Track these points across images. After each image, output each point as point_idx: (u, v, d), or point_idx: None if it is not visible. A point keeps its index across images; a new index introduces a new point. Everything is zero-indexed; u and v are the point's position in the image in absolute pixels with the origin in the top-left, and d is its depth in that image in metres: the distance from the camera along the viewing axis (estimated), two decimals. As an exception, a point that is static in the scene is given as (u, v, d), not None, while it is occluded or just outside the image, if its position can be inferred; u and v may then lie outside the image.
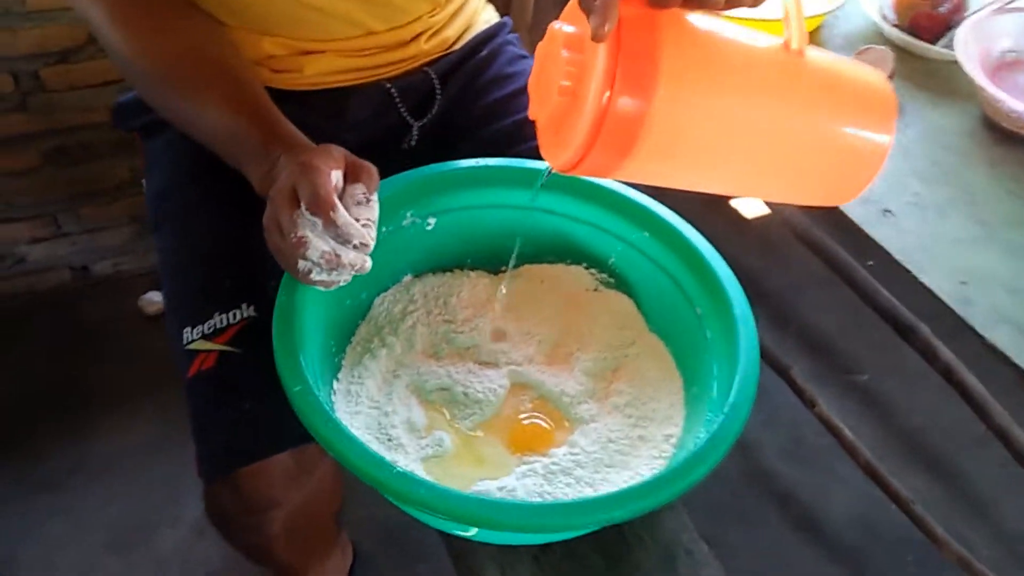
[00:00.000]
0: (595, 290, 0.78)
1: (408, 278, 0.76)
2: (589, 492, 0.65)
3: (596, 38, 0.44)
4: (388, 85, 0.84)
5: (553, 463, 0.66)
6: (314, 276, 0.58)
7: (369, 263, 0.59)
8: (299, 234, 0.57)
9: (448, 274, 0.78)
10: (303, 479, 0.71)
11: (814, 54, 0.50)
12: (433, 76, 0.86)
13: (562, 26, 0.50)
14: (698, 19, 0.47)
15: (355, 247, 0.58)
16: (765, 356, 1.41)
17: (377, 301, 0.74)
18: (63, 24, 1.16)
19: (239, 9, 0.76)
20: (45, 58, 1.18)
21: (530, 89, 0.54)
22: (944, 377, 1.26)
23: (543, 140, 0.54)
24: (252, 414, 0.68)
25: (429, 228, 0.74)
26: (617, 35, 0.45)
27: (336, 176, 0.60)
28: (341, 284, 0.61)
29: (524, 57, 0.93)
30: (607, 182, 0.74)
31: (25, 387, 1.31)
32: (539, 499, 0.64)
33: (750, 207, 1.77)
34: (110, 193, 1.35)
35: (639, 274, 0.75)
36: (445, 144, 0.87)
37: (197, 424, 0.70)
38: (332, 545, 0.95)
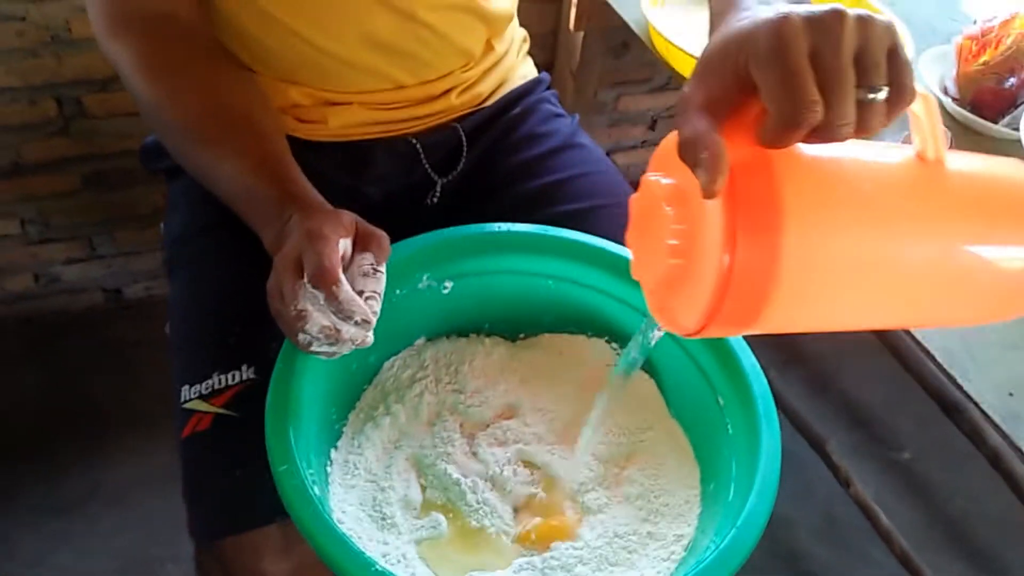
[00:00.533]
0: (615, 366, 0.74)
1: (421, 341, 0.73)
2: None
3: (708, 195, 0.39)
4: (414, 140, 0.82)
5: (552, 557, 0.63)
6: (315, 348, 0.56)
7: (371, 338, 0.57)
8: (299, 307, 0.55)
9: (463, 340, 0.75)
10: (292, 552, 0.68)
11: (956, 161, 0.44)
12: (461, 132, 0.83)
13: (658, 178, 0.45)
14: (811, 148, 0.41)
15: (356, 323, 0.55)
16: (800, 426, 1.36)
17: (386, 365, 0.71)
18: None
19: (263, 56, 0.75)
20: (88, 85, 1.20)
21: (629, 245, 0.49)
22: (991, 463, 1.19)
23: (654, 302, 0.49)
24: (242, 482, 0.65)
25: (446, 291, 0.71)
26: (730, 181, 0.39)
27: (344, 245, 0.58)
28: (344, 354, 0.59)
29: (560, 115, 0.90)
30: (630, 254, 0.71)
31: (50, 407, 1.32)
32: None
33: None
34: (144, 219, 1.36)
35: (662, 354, 0.71)
36: (469, 202, 0.84)
37: (187, 486, 0.68)
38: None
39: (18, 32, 1.11)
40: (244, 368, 0.68)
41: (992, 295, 0.46)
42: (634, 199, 0.48)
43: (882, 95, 0.39)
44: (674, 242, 0.43)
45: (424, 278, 0.70)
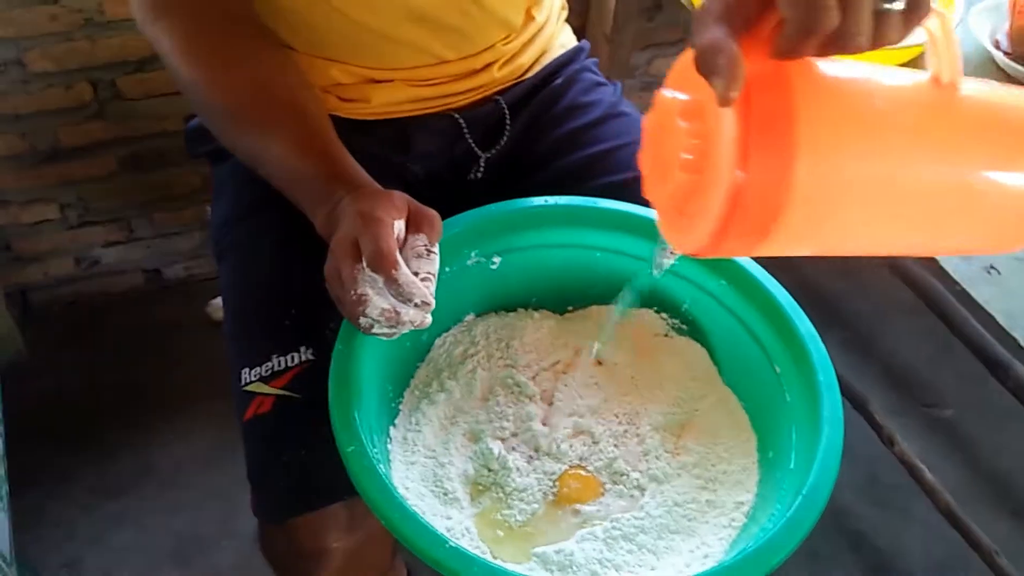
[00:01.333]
0: (666, 335, 0.74)
1: (470, 317, 0.73)
2: (652, 560, 0.62)
3: (723, 102, 0.38)
4: (456, 115, 0.81)
5: (615, 527, 0.63)
6: (375, 330, 0.56)
7: (429, 320, 0.57)
8: (359, 291, 0.55)
9: (512, 314, 0.75)
10: (357, 528, 0.69)
11: (970, 86, 0.44)
12: (504, 105, 0.83)
13: (674, 94, 0.44)
14: (830, 65, 0.41)
15: (416, 305, 0.55)
16: (842, 387, 1.35)
17: (438, 342, 0.72)
18: (140, 34, 1.17)
19: (305, 34, 0.74)
20: (123, 67, 1.19)
21: (641, 166, 0.49)
22: (1037, 420, 1.19)
23: (665, 221, 0.49)
24: (306, 462, 0.66)
25: (494, 267, 0.71)
26: (745, 96, 0.39)
27: (399, 227, 0.57)
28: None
29: (602, 84, 0.89)
30: None
31: (97, 389, 1.34)
32: (599, 567, 0.61)
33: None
34: (182, 199, 1.37)
35: (714, 323, 0.71)
36: (513, 176, 0.84)
37: (252, 468, 0.69)
38: (388, 571, 0.94)
39: (51, 16, 1.11)
40: (303, 350, 0.69)
41: (1005, 220, 0.46)
42: (647, 117, 0.47)
43: (898, 5, 0.39)
44: (688, 157, 0.43)
45: (472, 255, 0.70)
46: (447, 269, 0.68)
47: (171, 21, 0.68)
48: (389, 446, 0.64)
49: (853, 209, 0.42)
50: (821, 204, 0.41)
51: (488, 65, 0.80)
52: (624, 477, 0.67)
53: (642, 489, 0.66)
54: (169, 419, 1.30)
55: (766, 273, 0.68)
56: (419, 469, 0.64)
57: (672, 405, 0.71)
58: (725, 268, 0.69)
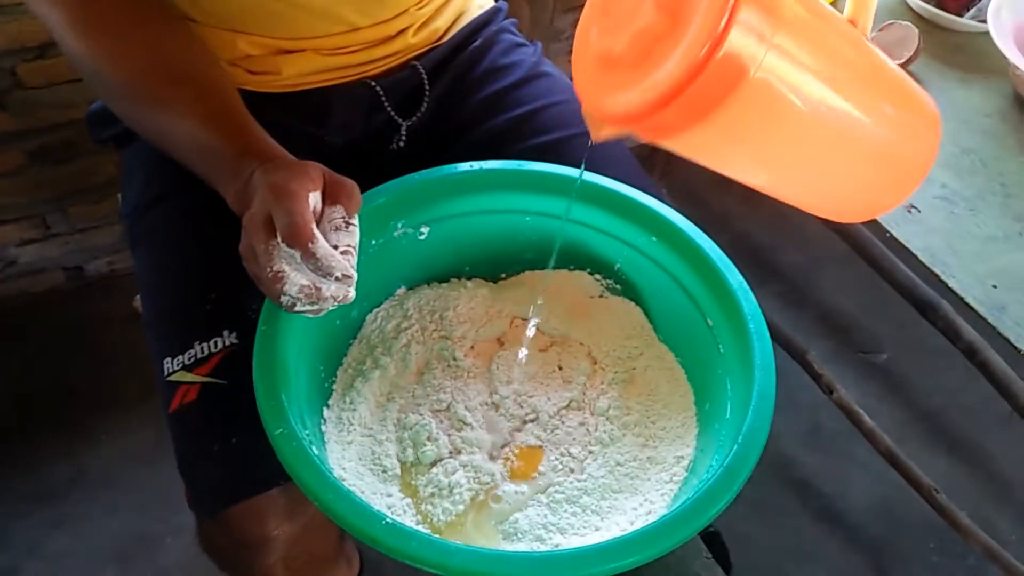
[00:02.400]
0: (600, 296, 0.74)
1: (402, 291, 0.72)
2: (596, 521, 0.62)
3: None
4: (373, 83, 0.78)
5: (557, 491, 0.63)
6: (298, 308, 0.54)
7: (352, 294, 0.55)
8: (275, 268, 0.52)
9: (444, 285, 0.74)
10: (297, 513, 0.68)
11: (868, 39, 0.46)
12: (421, 71, 0.80)
13: None
14: None
15: (337, 279, 0.53)
16: (780, 339, 1.37)
17: (369, 318, 0.70)
18: (38, 18, 1.11)
19: (208, 5, 0.71)
20: (22, 54, 1.13)
21: (586, 16, 0.46)
22: (967, 356, 1.22)
23: (591, 79, 0.45)
24: (239, 449, 0.64)
25: (422, 238, 0.70)
26: None
27: (314, 199, 0.55)
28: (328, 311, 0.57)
29: (522, 45, 0.87)
30: (609, 183, 0.69)
31: (23, 393, 1.28)
32: (543, 531, 0.61)
33: (763, 180, 1.71)
34: (98, 191, 1.31)
35: (647, 280, 0.71)
36: (437, 144, 0.82)
37: (182, 460, 0.66)
38: (336, 560, 0.92)
39: (-62, 4, 1.05)
40: (226, 334, 0.66)
41: (882, 176, 0.49)
42: None
43: None
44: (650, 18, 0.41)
45: (399, 226, 0.68)
46: (373, 242, 0.66)
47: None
48: (323, 427, 0.62)
49: (785, 109, 0.41)
50: (770, 96, 0.40)
51: (402, 31, 0.78)
52: (567, 442, 0.66)
53: (588, 451, 0.66)
54: (101, 419, 1.25)
55: (695, 227, 0.68)
56: (356, 448, 0.63)
57: (611, 365, 0.71)
58: (655, 224, 0.68)
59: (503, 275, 0.75)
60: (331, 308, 0.56)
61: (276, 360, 0.57)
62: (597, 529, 0.61)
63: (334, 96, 0.78)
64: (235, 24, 0.72)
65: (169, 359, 0.67)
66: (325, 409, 0.64)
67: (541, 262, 0.73)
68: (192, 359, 0.66)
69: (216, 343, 0.66)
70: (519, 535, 0.61)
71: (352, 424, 0.64)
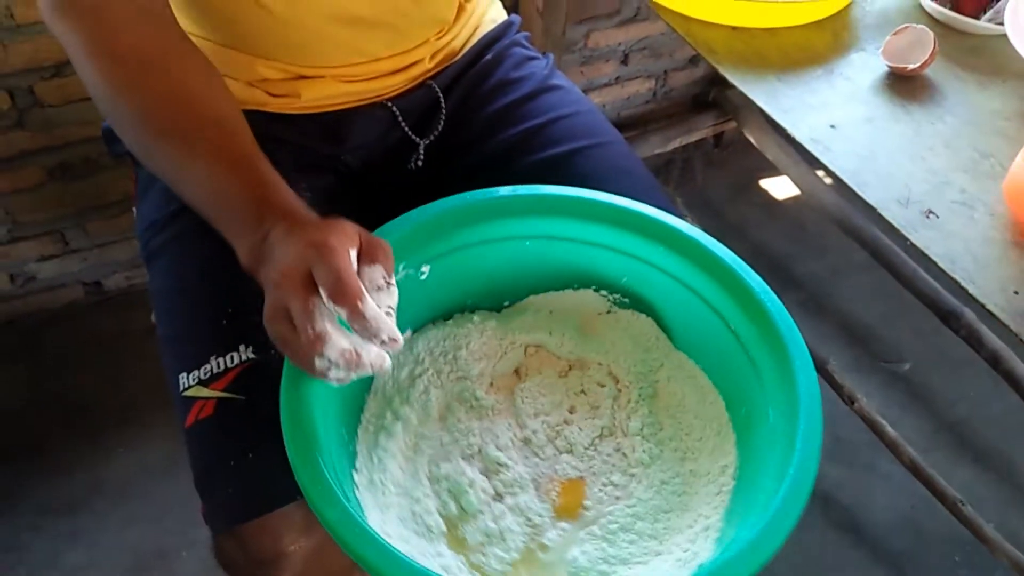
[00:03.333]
0: (608, 312, 0.72)
1: (408, 334, 0.68)
2: (655, 546, 0.60)
3: None
4: (390, 104, 0.79)
5: (611, 521, 0.62)
6: (332, 374, 0.51)
7: (389, 363, 0.52)
8: (316, 328, 0.49)
9: (450, 322, 0.71)
10: (314, 528, 0.66)
11: None
12: (437, 90, 0.81)
13: None
14: None
15: (382, 342, 0.50)
16: (800, 348, 1.35)
17: None
18: (53, 37, 1.12)
19: (229, 28, 0.71)
20: (40, 72, 1.15)
21: None
22: (991, 365, 1.20)
23: None
24: (255, 465, 0.63)
25: (423, 277, 0.67)
26: None
27: (353, 257, 0.52)
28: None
29: (534, 58, 0.87)
30: (607, 197, 0.68)
31: (42, 407, 1.29)
32: (606, 565, 0.60)
33: (781, 189, 1.70)
34: (116, 206, 1.32)
35: (656, 291, 0.70)
36: (452, 161, 0.81)
37: (198, 475, 0.66)
38: (352, 573, 0.91)
39: (-42, 24, 1.06)
40: (242, 349, 0.66)
41: None
42: None
43: None
44: None
45: (400, 268, 0.65)
46: None
47: (79, 17, 0.62)
48: (358, 493, 0.59)
49: None
50: None
51: (420, 60, 0.78)
52: (607, 471, 0.65)
53: (630, 474, 0.64)
54: (119, 432, 1.26)
55: (700, 231, 0.67)
56: (395, 511, 0.60)
57: (636, 383, 0.69)
58: (660, 233, 0.67)
59: (506, 303, 0.73)
60: (358, 377, 0.52)
61: (306, 426, 0.54)
62: (658, 554, 0.60)
63: (352, 117, 0.78)
64: (257, 50, 0.72)
65: (185, 374, 0.66)
66: (355, 473, 0.60)
67: (543, 286, 0.72)
68: (208, 374, 0.65)
69: (232, 358, 0.66)
70: (584, 573, 0.59)
71: (385, 485, 0.61)
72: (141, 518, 1.17)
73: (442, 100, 0.81)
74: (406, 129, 0.80)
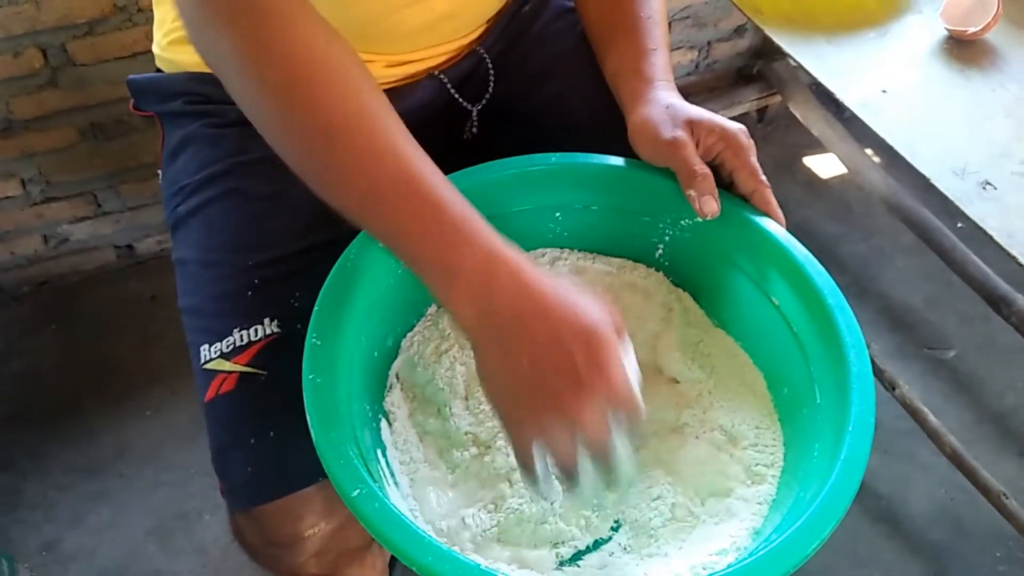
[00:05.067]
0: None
1: (432, 309, 0.67)
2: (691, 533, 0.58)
3: None
4: (439, 74, 0.76)
5: (654, 507, 0.59)
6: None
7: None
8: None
9: None
10: (333, 510, 0.64)
11: None
12: (483, 53, 0.78)
13: None
14: None
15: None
16: (840, 331, 1.31)
17: (405, 344, 0.66)
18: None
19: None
20: (72, 30, 1.14)
21: None
22: (1043, 355, 1.15)
23: None
24: (275, 444, 0.61)
25: None
26: None
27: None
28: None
29: (571, 10, 0.83)
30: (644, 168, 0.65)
31: (72, 368, 1.30)
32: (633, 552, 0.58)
33: (827, 167, 1.64)
34: (149, 168, 1.32)
35: (693, 264, 0.67)
36: (506, 123, 0.79)
37: (216, 453, 0.64)
38: (370, 548, 0.90)
39: (-10, -21, 1.06)
40: (267, 322, 0.63)
41: None
42: None
43: None
44: None
45: None
46: (401, 268, 0.61)
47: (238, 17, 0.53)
48: (382, 471, 0.57)
49: None
50: None
51: (475, 33, 0.77)
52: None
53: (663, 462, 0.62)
54: (147, 396, 1.26)
55: (743, 201, 0.63)
56: (425, 488, 0.59)
57: (685, 356, 0.66)
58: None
59: None
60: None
61: (329, 402, 0.53)
62: (696, 541, 0.58)
63: (403, 91, 0.75)
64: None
65: (207, 346, 0.64)
66: (379, 452, 0.59)
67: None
68: (231, 347, 0.63)
69: (257, 331, 0.63)
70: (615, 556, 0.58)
71: (414, 463, 0.60)
72: (166, 481, 1.17)
73: (488, 63, 0.78)
74: (457, 97, 0.77)
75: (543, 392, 0.46)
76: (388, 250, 0.54)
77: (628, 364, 0.48)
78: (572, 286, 0.49)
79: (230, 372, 0.62)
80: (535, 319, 0.47)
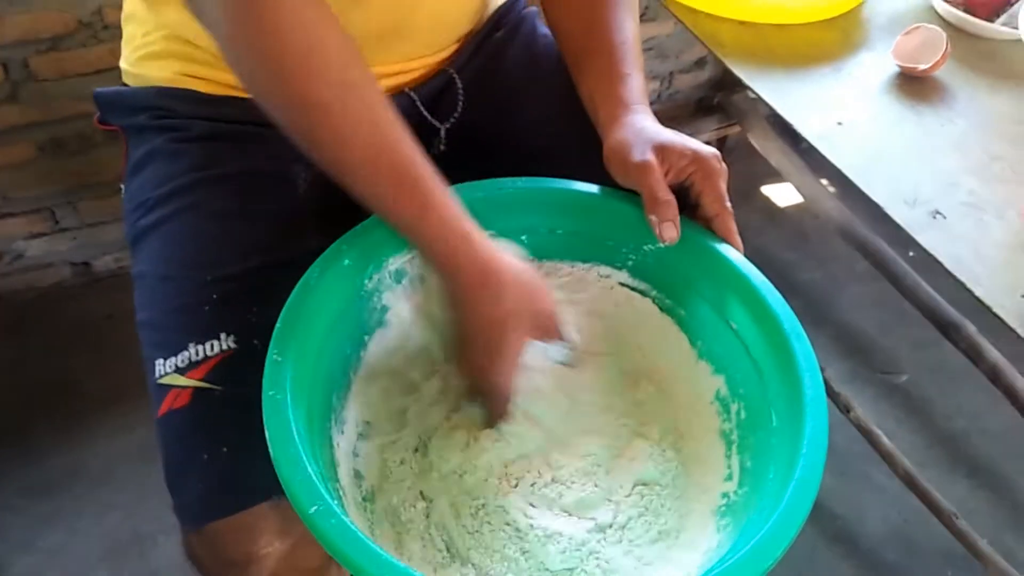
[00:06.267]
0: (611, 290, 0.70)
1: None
2: (648, 554, 0.59)
3: None
4: (409, 91, 0.77)
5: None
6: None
7: None
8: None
9: None
10: (289, 529, 0.63)
11: None
12: (453, 72, 0.79)
13: None
14: None
15: None
16: (797, 355, 1.33)
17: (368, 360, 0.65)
18: (51, 10, 1.11)
19: None
20: (35, 45, 1.13)
21: None
22: (990, 379, 1.18)
23: None
24: (229, 461, 0.60)
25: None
26: None
27: None
28: None
29: (544, 35, 0.85)
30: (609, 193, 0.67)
31: (24, 387, 1.27)
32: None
33: (784, 196, 1.68)
34: (108, 186, 1.30)
35: (656, 279, 0.68)
36: (473, 144, 0.80)
37: (169, 469, 0.62)
38: (328, 568, 0.89)
39: (-48, -8, 1.05)
40: (223, 337, 0.63)
41: None
42: None
43: None
44: None
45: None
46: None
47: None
48: (339, 488, 0.57)
49: None
50: None
51: (447, 51, 0.77)
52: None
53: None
54: (101, 416, 1.23)
55: (701, 227, 0.65)
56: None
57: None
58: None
59: None
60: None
61: (288, 418, 0.52)
62: (649, 564, 0.59)
63: None
64: None
65: (162, 360, 0.63)
66: (338, 468, 0.59)
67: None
68: (186, 362, 0.62)
69: (213, 346, 0.62)
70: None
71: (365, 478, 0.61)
72: (120, 503, 1.15)
73: (458, 82, 0.79)
74: (426, 114, 0.78)
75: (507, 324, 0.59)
76: (379, 214, 0.60)
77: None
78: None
79: (184, 387, 0.61)
80: (503, 273, 0.59)
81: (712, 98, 1.64)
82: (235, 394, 0.60)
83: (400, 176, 0.57)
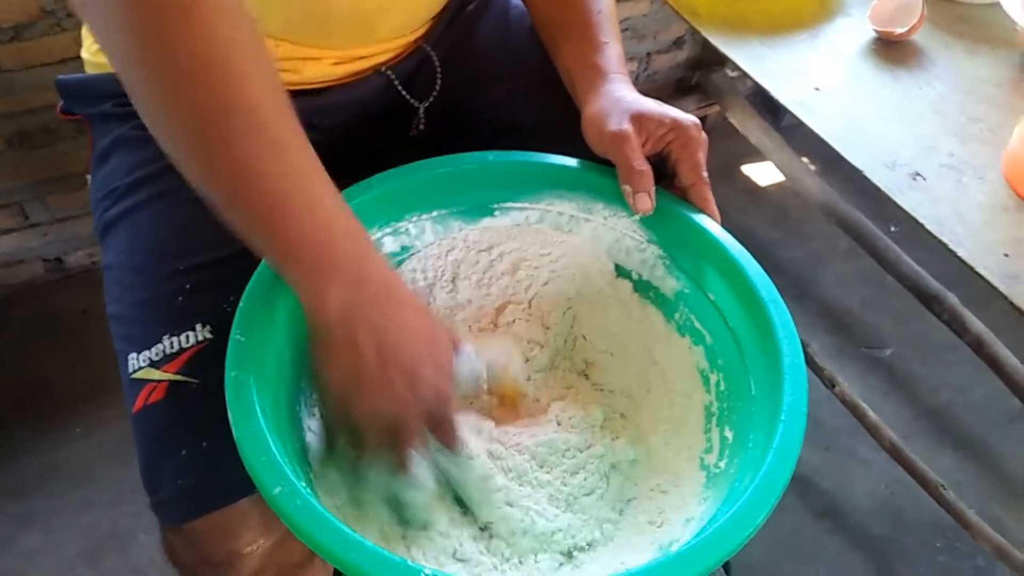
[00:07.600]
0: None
1: None
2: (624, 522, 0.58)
3: None
4: (387, 71, 0.75)
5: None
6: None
7: None
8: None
9: None
10: (271, 525, 0.61)
11: None
12: (430, 51, 0.77)
13: None
14: None
15: None
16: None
17: None
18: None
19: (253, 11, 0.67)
20: (-3, 35, 1.10)
21: None
22: (974, 350, 1.17)
23: None
24: (207, 456, 0.58)
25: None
26: None
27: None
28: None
29: (516, 7, 0.83)
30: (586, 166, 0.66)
31: (-3, 386, 1.24)
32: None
33: (764, 175, 1.68)
34: (78, 178, 1.27)
35: (632, 258, 0.67)
36: (452, 121, 0.78)
37: (145, 466, 0.60)
38: (311, 564, 0.87)
39: (-92, -20, 1.02)
40: (198, 328, 0.61)
41: None
42: None
43: None
44: None
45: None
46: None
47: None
48: (312, 476, 0.56)
49: None
50: None
51: (423, 29, 0.76)
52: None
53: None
54: (76, 414, 1.21)
55: (681, 200, 0.64)
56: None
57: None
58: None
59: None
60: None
61: (256, 407, 0.51)
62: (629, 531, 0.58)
63: (351, 89, 0.74)
64: (278, 34, 0.67)
65: (135, 354, 0.61)
66: (310, 456, 0.57)
67: None
68: (160, 355, 0.60)
69: (188, 337, 0.60)
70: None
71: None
72: (98, 501, 1.13)
73: (435, 60, 0.77)
74: (404, 94, 0.76)
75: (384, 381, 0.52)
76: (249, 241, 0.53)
77: (467, 367, 0.56)
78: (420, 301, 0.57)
79: (159, 381, 0.59)
80: (399, 313, 0.53)
81: (691, 78, 1.64)
82: (212, 386, 0.56)
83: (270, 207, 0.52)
